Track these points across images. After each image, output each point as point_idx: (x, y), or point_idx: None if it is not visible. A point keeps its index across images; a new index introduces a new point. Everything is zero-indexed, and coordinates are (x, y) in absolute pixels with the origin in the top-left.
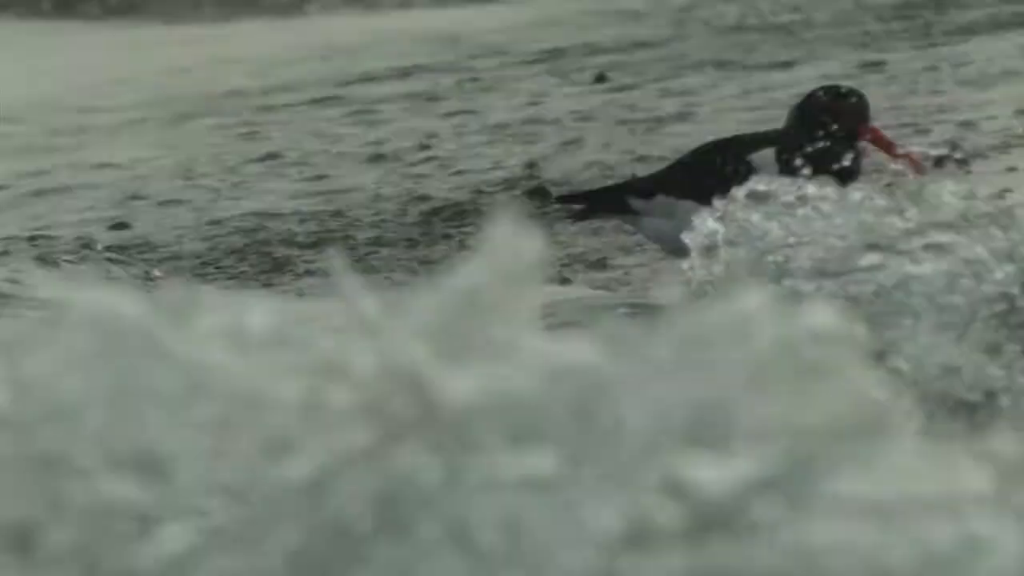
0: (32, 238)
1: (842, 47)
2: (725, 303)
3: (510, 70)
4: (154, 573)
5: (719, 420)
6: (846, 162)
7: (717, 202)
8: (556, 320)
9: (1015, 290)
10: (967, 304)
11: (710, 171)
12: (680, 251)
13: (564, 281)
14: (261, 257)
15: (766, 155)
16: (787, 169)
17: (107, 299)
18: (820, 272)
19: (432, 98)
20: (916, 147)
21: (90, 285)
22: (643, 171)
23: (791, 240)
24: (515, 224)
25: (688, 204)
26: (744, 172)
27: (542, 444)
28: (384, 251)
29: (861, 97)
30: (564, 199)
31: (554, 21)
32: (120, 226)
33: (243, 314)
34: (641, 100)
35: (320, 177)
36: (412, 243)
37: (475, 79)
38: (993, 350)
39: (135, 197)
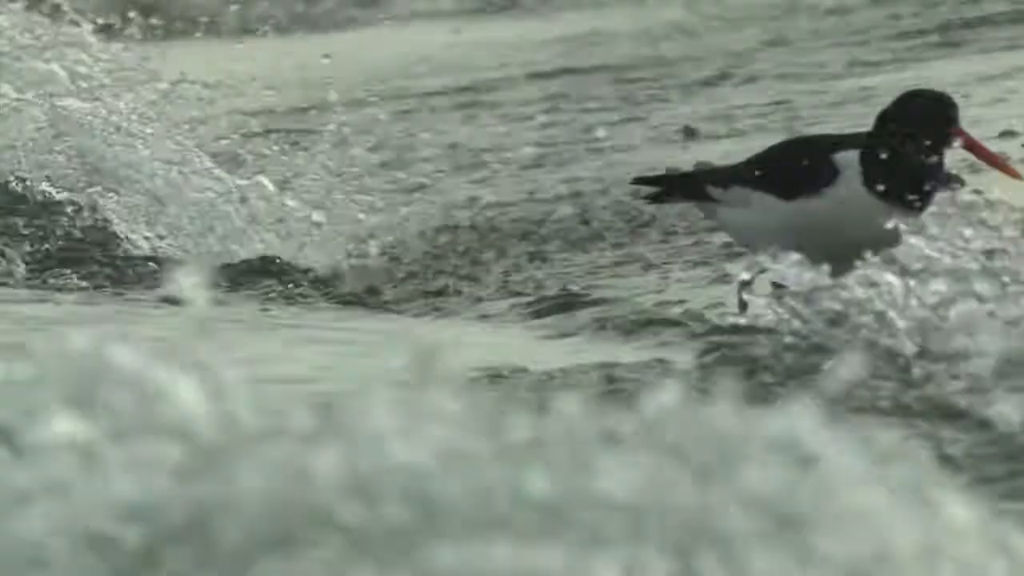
0: None
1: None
2: None
3: None
4: None
5: None
6: (932, 167)
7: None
8: None
9: None
10: None
11: (792, 167)
12: (750, 243)
13: None
14: None
15: (850, 156)
16: (871, 172)
17: None
18: None
19: None
20: None
21: None
22: None
23: None
24: None
25: (765, 197)
26: (827, 171)
27: None
28: None
29: (951, 101)
30: (640, 181)
31: None
32: None
33: None
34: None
35: None
36: None
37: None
38: None
39: None
